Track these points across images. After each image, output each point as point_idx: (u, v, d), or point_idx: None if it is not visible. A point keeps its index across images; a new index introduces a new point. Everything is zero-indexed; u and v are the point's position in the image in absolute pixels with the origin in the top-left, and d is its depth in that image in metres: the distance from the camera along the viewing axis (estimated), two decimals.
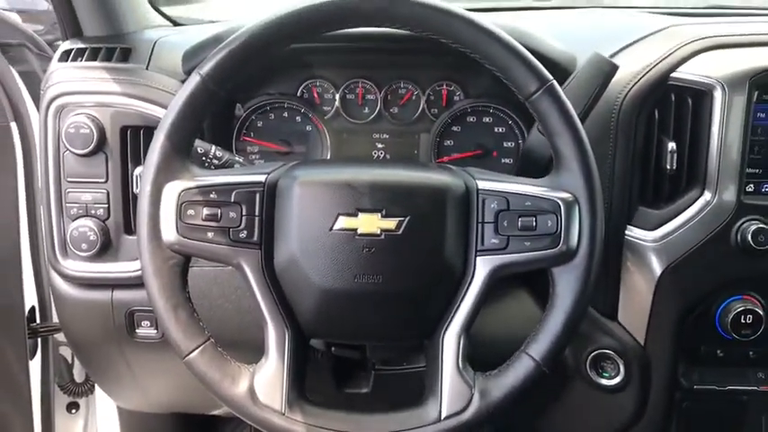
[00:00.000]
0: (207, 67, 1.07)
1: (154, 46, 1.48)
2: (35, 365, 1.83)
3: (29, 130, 1.75)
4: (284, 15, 1.06)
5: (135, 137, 1.42)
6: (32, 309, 1.78)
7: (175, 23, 1.87)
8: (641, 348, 1.39)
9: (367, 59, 1.51)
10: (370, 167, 1.15)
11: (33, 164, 1.75)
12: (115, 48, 1.46)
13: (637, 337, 1.37)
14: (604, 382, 1.42)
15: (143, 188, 1.07)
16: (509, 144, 1.56)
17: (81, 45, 1.46)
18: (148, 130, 1.39)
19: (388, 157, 1.57)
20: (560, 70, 1.38)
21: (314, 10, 1.06)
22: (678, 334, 1.37)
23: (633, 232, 1.38)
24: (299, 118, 1.56)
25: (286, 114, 1.56)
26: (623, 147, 1.36)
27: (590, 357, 1.40)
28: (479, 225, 1.08)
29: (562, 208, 1.06)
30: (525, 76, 1.07)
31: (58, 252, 1.37)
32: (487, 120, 1.56)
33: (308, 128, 1.57)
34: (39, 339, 1.81)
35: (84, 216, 1.41)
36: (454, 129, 1.56)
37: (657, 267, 1.36)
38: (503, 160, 1.57)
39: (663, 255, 1.31)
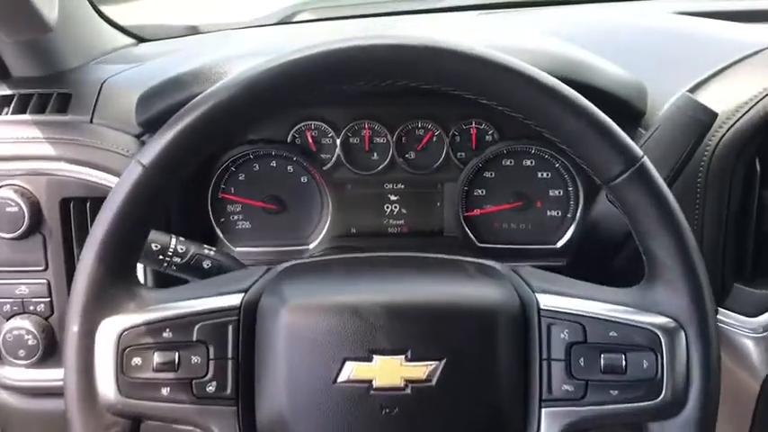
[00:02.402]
0: (149, 154, 0.75)
1: (100, 89, 1.15)
2: None
3: None
4: (265, 72, 0.74)
5: (80, 211, 1.10)
6: None
7: (141, 39, 1.54)
8: None
9: (374, 94, 1.17)
10: (382, 277, 0.83)
11: None
12: (51, 94, 1.13)
13: None
14: None
15: (68, 327, 0.76)
16: (556, 192, 1.24)
17: (6, 92, 1.13)
18: (96, 202, 1.08)
19: (404, 211, 1.27)
20: (632, 111, 1.05)
21: (313, 61, 0.74)
22: None
23: (727, 318, 1.06)
24: (291, 168, 1.24)
25: (274, 164, 1.24)
26: (714, 207, 1.03)
27: None
28: (544, 363, 0.77)
29: (663, 341, 0.75)
30: (608, 154, 0.74)
31: None
32: (528, 163, 1.24)
33: (304, 180, 1.25)
34: None
35: (21, 314, 1.10)
36: (486, 175, 1.24)
37: (762, 366, 1.04)
38: (549, 212, 1.25)
39: None
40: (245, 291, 0.80)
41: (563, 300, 0.79)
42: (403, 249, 1.27)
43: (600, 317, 0.77)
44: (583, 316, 0.77)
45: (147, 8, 2.17)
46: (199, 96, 0.75)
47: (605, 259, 1.04)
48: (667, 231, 0.75)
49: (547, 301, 0.79)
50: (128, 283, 0.78)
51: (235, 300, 0.79)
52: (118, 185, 0.76)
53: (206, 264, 0.96)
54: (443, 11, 1.60)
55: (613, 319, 0.77)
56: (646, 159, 0.75)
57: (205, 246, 0.98)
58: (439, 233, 1.27)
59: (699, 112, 0.91)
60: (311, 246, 1.26)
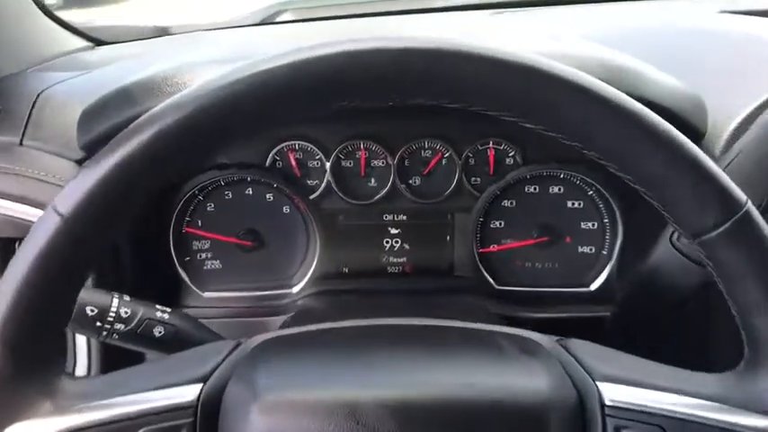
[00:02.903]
0: (69, 201, 0.54)
1: (35, 102, 0.94)
2: None
3: None
4: (229, 86, 0.53)
5: (7, 253, 0.88)
6: None
7: (98, 42, 1.32)
8: None
9: (371, 109, 0.96)
10: (389, 361, 0.62)
11: None
12: None
13: None
14: None
15: None
16: (589, 225, 1.04)
17: None
18: None
19: (406, 247, 1.06)
20: (692, 131, 0.85)
21: (294, 71, 0.54)
22: None
23: None
24: (270, 196, 1.04)
25: (250, 192, 1.03)
26: None
27: None
28: None
29: None
30: (700, 200, 0.54)
31: None
32: (556, 190, 1.04)
33: (286, 210, 1.04)
34: None
35: None
36: (506, 205, 1.04)
37: None
38: (581, 249, 1.05)
39: None
40: (205, 379, 0.59)
41: (634, 391, 0.58)
42: (405, 293, 1.08)
43: (685, 417, 0.57)
44: (663, 416, 0.57)
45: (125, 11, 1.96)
46: (140, 118, 0.54)
47: (666, 317, 0.84)
48: None
49: (613, 393, 0.58)
50: (45, 374, 0.57)
51: (190, 393, 0.58)
52: (28, 241, 0.55)
53: (158, 331, 0.75)
54: (444, 10, 1.39)
55: (703, 419, 0.56)
56: (750, 206, 0.54)
57: (158, 306, 0.77)
58: (448, 273, 1.06)
59: None
60: (295, 289, 1.05)
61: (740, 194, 0.55)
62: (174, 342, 0.76)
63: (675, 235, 0.77)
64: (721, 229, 0.54)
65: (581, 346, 0.64)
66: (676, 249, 0.77)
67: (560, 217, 1.05)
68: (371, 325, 0.67)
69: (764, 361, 0.56)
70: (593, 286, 1.06)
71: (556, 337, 0.66)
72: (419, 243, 1.06)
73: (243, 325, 1.00)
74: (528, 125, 0.56)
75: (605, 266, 1.05)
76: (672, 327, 0.84)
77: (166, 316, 0.76)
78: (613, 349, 0.65)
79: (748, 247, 0.54)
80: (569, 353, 0.63)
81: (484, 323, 0.70)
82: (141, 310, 0.75)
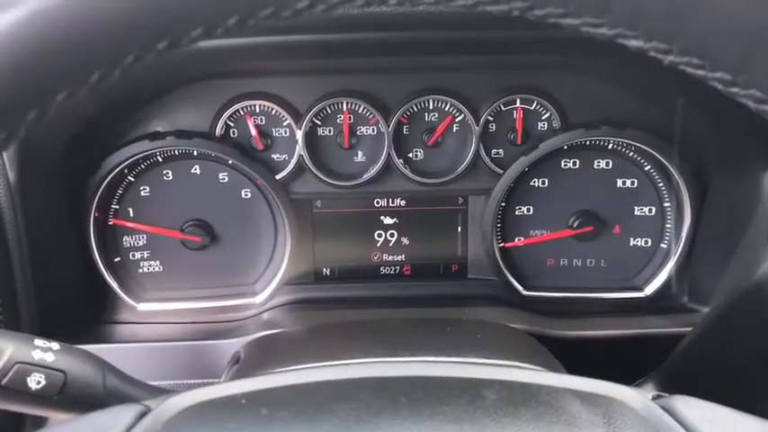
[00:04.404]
0: None
1: None
2: None
3: None
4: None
5: None
6: None
7: None
8: None
9: (358, 49, 0.71)
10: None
11: None
12: None
13: None
14: None
15: None
16: (645, 210, 0.80)
17: None
18: None
19: (405, 241, 0.81)
20: None
21: None
22: None
23: None
24: (224, 177, 0.78)
25: (197, 171, 0.77)
26: None
27: None
28: None
29: None
30: None
31: None
32: (602, 165, 0.79)
33: (245, 194, 0.79)
34: None
35: None
36: (536, 185, 0.79)
37: None
38: (633, 241, 0.81)
39: None
40: None
41: None
42: (404, 302, 0.82)
43: None
44: None
45: None
46: None
47: None
48: None
49: None
50: None
51: None
52: None
53: (35, 381, 0.49)
54: None
55: None
56: None
57: (38, 342, 0.51)
58: (459, 275, 0.82)
59: None
60: (258, 297, 0.81)
61: None
62: (64, 398, 0.50)
63: None
64: None
65: (691, 407, 0.40)
66: None
67: (607, 200, 0.81)
68: (361, 378, 0.42)
69: None
70: (648, 290, 0.81)
71: (651, 393, 0.42)
72: (422, 236, 0.82)
73: (188, 353, 0.74)
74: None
75: (665, 264, 0.80)
76: None
77: (50, 357, 0.50)
78: (736, 411, 0.41)
79: None
80: (675, 418, 0.39)
81: (533, 361, 0.46)
82: (10, 349, 0.49)
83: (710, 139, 0.75)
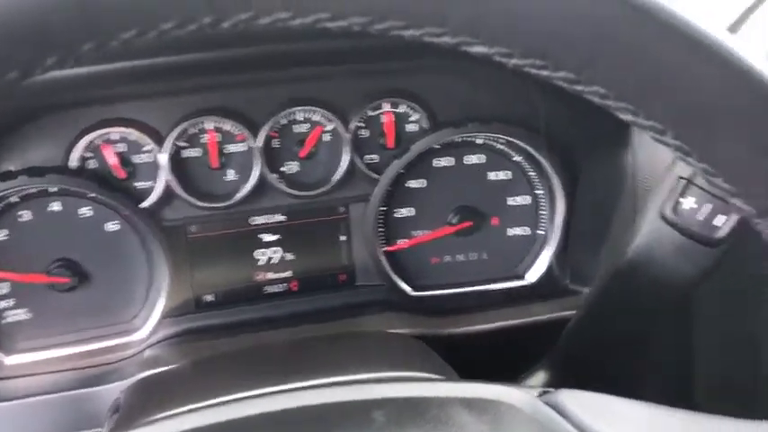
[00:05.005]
0: None
1: None
2: None
3: None
4: None
5: None
6: None
7: None
8: None
9: (217, 67, 0.69)
10: None
11: None
12: None
13: None
14: None
15: None
16: (519, 200, 0.81)
17: None
18: None
19: (289, 257, 0.80)
20: None
21: None
22: None
23: None
24: (87, 212, 0.73)
25: (58, 208, 0.72)
26: None
27: None
28: None
29: None
30: None
31: None
32: (475, 160, 0.80)
33: (112, 227, 0.74)
34: None
35: None
36: (413, 185, 0.79)
37: None
38: (511, 231, 0.82)
39: None
40: None
41: None
42: (293, 319, 0.80)
43: None
44: None
45: None
46: None
47: (651, 322, 0.61)
48: None
49: None
50: None
51: None
52: None
53: None
54: None
55: None
56: None
57: None
58: (348, 284, 0.81)
59: None
60: (138, 335, 0.77)
61: None
62: None
63: (669, 206, 0.55)
64: None
65: (576, 401, 0.41)
66: (673, 226, 0.54)
67: (483, 194, 0.82)
68: (245, 417, 0.40)
69: None
70: (531, 277, 0.83)
71: (536, 390, 0.43)
72: (306, 249, 0.80)
73: (65, 405, 0.69)
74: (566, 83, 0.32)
75: (543, 251, 0.83)
76: (654, 337, 0.62)
77: None
78: (621, 398, 0.42)
79: None
80: (561, 413, 0.39)
81: (422, 367, 0.46)
82: None
83: (574, 126, 0.78)
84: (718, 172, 0.33)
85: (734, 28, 0.63)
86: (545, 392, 0.44)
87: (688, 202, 0.53)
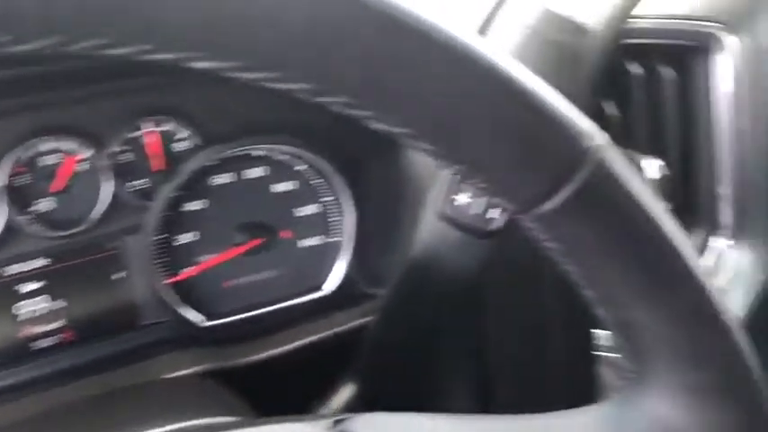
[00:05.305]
0: None
1: None
2: None
3: None
4: None
5: None
6: None
7: None
8: None
9: None
10: None
11: None
12: None
13: None
14: None
15: None
16: (307, 210, 0.79)
17: None
18: None
19: (60, 304, 0.72)
20: None
21: None
22: None
23: None
24: None
25: None
26: None
27: None
28: None
29: None
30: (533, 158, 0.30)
31: None
32: (256, 173, 0.76)
33: None
34: None
35: None
36: (192, 208, 0.73)
37: None
38: (302, 243, 0.79)
39: None
40: None
41: None
42: (69, 376, 0.70)
43: None
44: None
45: None
46: None
47: (440, 317, 0.61)
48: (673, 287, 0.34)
49: None
50: None
51: None
52: None
53: None
54: None
55: None
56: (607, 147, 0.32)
57: None
58: (130, 326, 0.73)
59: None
60: None
61: (593, 131, 0.32)
62: None
63: (445, 203, 0.54)
64: (563, 195, 0.31)
65: (371, 427, 0.38)
66: (450, 222, 0.54)
67: (269, 208, 0.77)
68: None
69: (658, 373, 0.35)
70: (329, 287, 0.81)
71: (329, 419, 0.40)
72: (78, 294, 0.71)
73: None
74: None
75: (337, 258, 0.81)
76: (450, 334, 0.63)
77: None
78: (418, 414, 0.40)
79: (608, 213, 0.32)
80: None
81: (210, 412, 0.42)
82: None
83: (353, 130, 0.76)
84: (473, 173, 0.31)
85: (483, 30, 0.64)
86: (339, 421, 0.41)
87: (462, 198, 0.54)
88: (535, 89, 0.30)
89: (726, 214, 0.68)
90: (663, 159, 0.62)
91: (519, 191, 0.31)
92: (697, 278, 0.33)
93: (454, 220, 0.54)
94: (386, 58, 0.27)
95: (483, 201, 0.53)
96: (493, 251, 0.55)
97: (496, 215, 0.54)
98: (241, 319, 0.76)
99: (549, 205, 0.30)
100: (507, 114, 0.30)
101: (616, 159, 0.32)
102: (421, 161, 0.64)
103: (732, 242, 0.68)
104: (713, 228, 0.67)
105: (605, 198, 0.31)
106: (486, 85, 0.29)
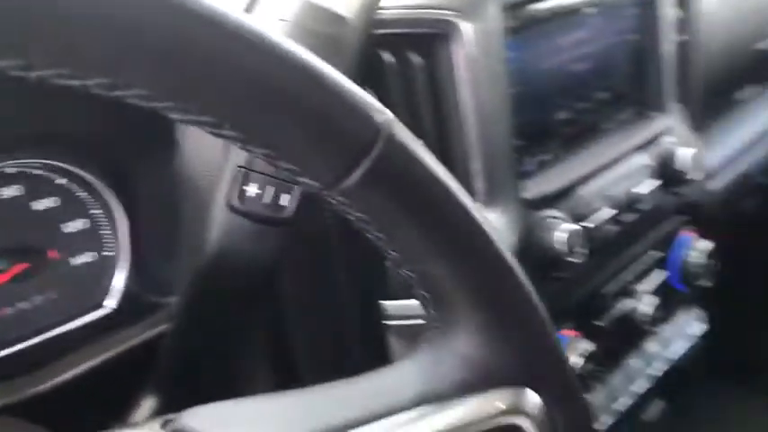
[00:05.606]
0: None
1: None
2: None
3: None
4: None
5: None
6: None
7: None
8: None
9: None
10: None
11: None
12: None
13: None
14: None
15: None
16: (75, 225, 0.76)
17: None
18: None
19: None
20: None
21: None
22: None
23: None
24: None
25: None
26: None
27: None
28: None
29: None
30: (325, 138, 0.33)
31: None
32: (12, 192, 0.71)
33: None
34: None
35: None
36: None
37: None
38: (74, 261, 0.76)
39: None
40: None
41: None
42: None
43: None
44: None
45: None
46: None
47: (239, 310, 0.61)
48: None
49: None
50: None
51: None
52: None
53: None
54: None
55: None
56: (393, 124, 0.36)
57: None
58: None
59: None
60: None
61: (381, 111, 0.36)
62: None
63: (234, 196, 0.55)
64: (363, 168, 0.34)
65: (202, 419, 0.39)
66: (241, 214, 0.55)
67: (32, 229, 0.71)
68: None
69: (458, 317, 0.40)
70: (110, 303, 0.77)
71: (157, 421, 0.40)
72: None
73: None
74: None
75: (116, 272, 0.77)
76: (253, 327, 0.63)
77: None
78: (240, 399, 0.41)
79: (403, 180, 0.36)
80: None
81: None
82: None
83: (115, 134, 0.73)
84: (279, 155, 0.33)
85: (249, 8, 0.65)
86: (167, 422, 0.40)
87: (252, 189, 0.55)
88: (327, 72, 0.33)
89: (479, 186, 0.77)
90: (423, 142, 0.68)
91: (322, 170, 0.34)
92: (482, 229, 0.39)
93: (247, 213, 0.55)
94: (178, 46, 0.28)
95: (273, 189, 0.55)
96: (287, 238, 0.57)
97: (287, 202, 0.55)
98: (21, 350, 0.70)
99: (351, 180, 0.33)
100: (303, 97, 0.32)
101: (403, 132, 0.36)
102: (201, 157, 0.63)
103: (487, 210, 0.77)
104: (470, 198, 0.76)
105: (399, 167, 0.35)
106: (281, 70, 0.31)
